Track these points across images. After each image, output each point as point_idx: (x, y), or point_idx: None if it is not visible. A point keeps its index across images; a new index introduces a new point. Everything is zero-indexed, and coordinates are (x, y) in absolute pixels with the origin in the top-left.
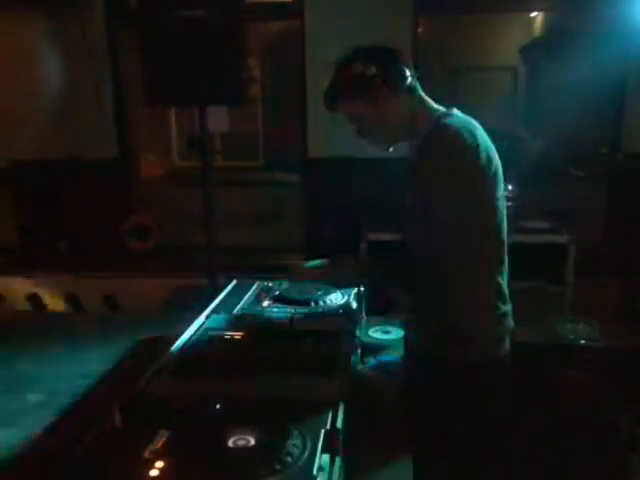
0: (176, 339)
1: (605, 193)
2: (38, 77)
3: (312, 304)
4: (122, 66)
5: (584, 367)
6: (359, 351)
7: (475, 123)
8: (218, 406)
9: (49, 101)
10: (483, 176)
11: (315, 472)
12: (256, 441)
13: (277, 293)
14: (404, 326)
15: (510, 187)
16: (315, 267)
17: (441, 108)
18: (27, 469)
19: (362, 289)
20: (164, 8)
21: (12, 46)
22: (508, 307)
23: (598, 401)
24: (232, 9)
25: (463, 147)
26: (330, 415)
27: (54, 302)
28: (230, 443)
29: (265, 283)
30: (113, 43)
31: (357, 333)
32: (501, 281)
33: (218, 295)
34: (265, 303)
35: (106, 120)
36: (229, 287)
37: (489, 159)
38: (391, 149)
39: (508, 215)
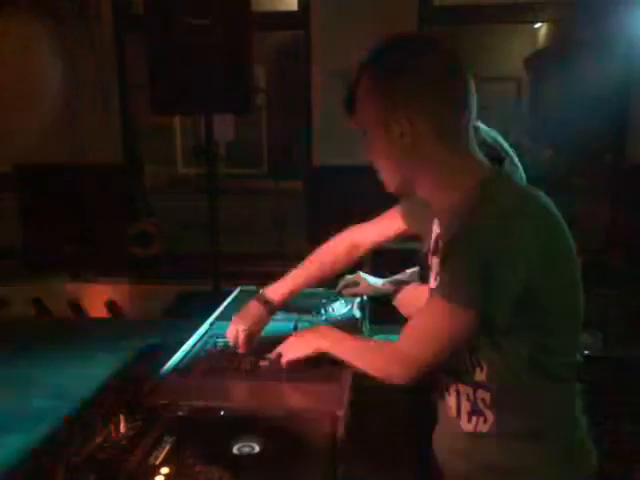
0: (180, 345)
1: (608, 202)
2: (44, 81)
3: (316, 312)
4: (129, 72)
5: (587, 378)
6: None
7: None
8: (223, 412)
9: (55, 106)
10: None
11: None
12: (260, 448)
13: None
14: None
15: None
16: None
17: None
18: (32, 475)
19: (365, 298)
20: (171, 16)
21: (18, 50)
22: None
23: None
24: (238, 18)
25: None
26: (333, 423)
27: (57, 307)
28: (235, 450)
29: None
30: (120, 49)
31: None
32: None
33: (222, 302)
34: None
35: (112, 126)
36: (233, 294)
37: None
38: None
39: None
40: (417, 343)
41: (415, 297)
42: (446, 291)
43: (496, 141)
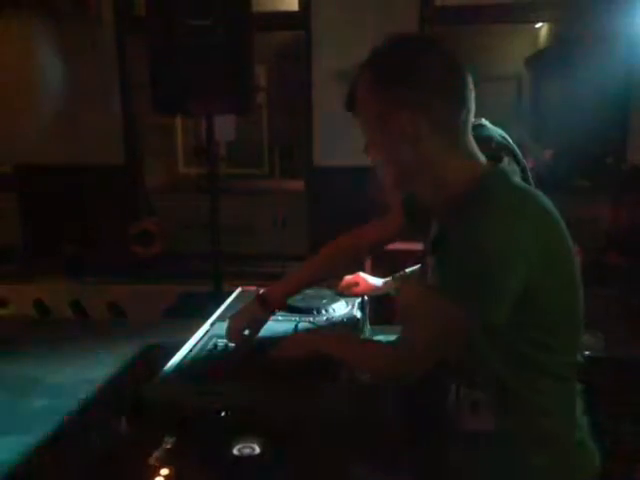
0: (181, 346)
1: (610, 203)
2: (45, 82)
3: (316, 313)
4: (130, 73)
5: (588, 378)
6: None
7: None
8: (223, 413)
9: (56, 106)
10: None
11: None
12: (261, 449)
13: None
14: None
15: None
16: None
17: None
18: (33, 474)
19: (366, 298)
20: (172, 18)
21: (19, 50)
22: None
23: None
24: (239, 18)
25: None
26: (334, 423)
27: (58, 308)
28: (235, 451)
29: None
30: (121, 50)
31: None
32: None
33: (223, 302)
34: None
35: (113, 126)
36: (234, 294)
37: None
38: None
39: None
40: (415, 341)
41: (414, 296)
42: (443, 289)
43: (504, 139)
